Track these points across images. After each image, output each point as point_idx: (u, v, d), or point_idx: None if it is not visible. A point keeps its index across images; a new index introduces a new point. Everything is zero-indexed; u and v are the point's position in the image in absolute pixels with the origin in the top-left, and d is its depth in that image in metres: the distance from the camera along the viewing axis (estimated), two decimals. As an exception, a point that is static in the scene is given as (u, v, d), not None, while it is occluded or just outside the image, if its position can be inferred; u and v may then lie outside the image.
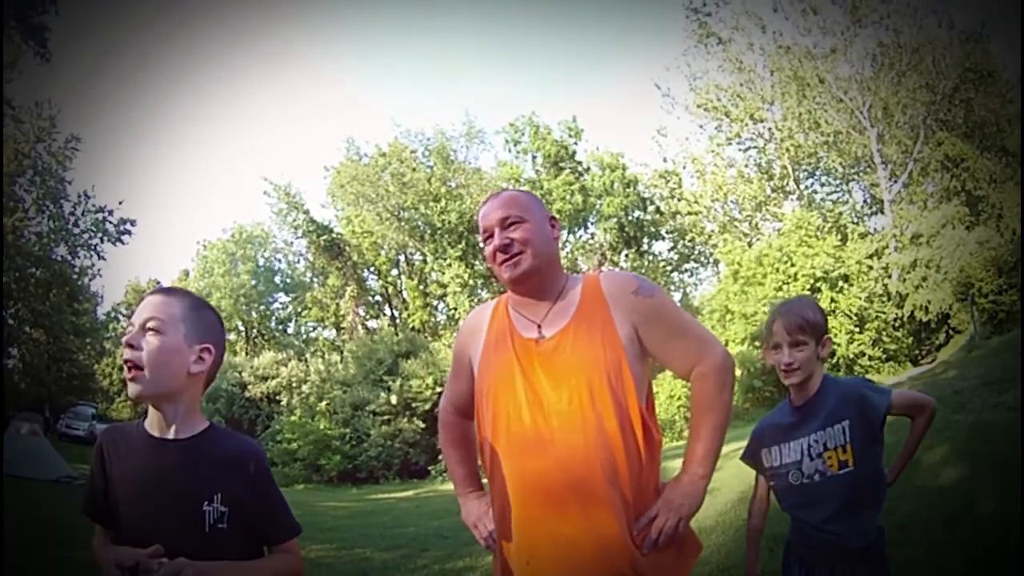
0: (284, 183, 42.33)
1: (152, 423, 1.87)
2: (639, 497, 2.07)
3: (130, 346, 1.80)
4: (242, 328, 48.02)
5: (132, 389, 1.81)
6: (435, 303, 41.64)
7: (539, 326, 2.20)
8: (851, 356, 26.52)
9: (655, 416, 2.22)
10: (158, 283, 54.57)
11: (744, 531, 2.78)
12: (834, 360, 26.12)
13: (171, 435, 1.85)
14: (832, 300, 26.67)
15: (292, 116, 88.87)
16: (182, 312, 1.87)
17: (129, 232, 28.45)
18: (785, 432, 2.57)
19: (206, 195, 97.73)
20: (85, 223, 27.92)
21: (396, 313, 43.83)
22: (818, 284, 27.19)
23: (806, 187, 38.34)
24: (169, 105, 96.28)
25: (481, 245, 2.31)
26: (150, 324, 1.82)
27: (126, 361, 1.79)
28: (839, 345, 26.00)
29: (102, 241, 28.37)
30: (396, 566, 7.69)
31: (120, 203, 31.45)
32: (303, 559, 5.95)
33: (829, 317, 26.14)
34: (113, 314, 38.06)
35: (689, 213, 37.64)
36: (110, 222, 27.97)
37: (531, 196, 2.36)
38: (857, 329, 26.82)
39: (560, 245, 2.35)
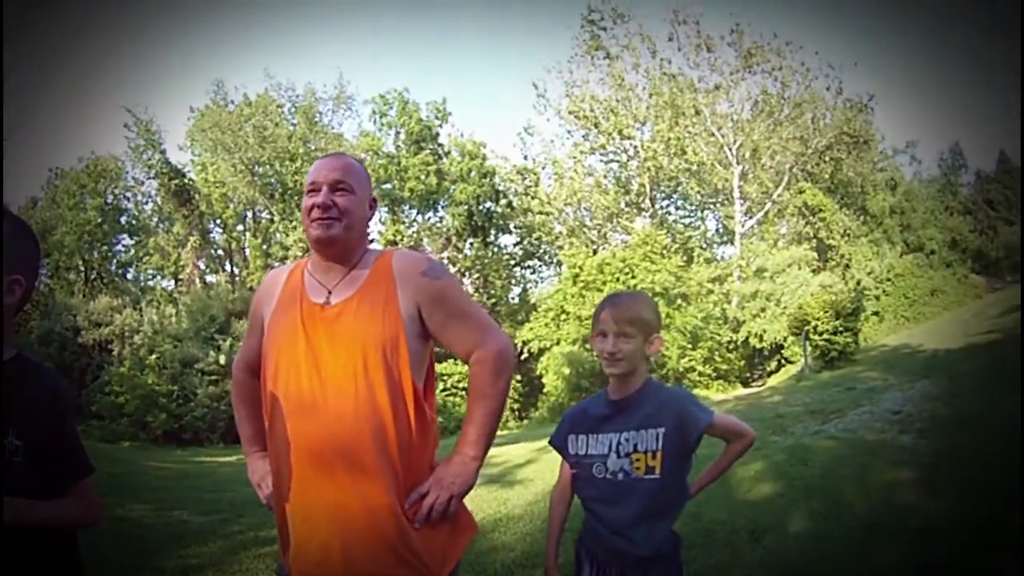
0: (147, 118, 40.33)
1: None
2: (411, 471, 2.16)
3: None
4: (82, 268, 45.62)
5: None
6: (275, 264, 40.18)
7: (329, 292, 2.26)
8: (681, 370, 27.35)
9: (433, 396, 2.32)
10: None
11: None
12: (663, 371, 26.91)
13: None
14: (667, 315, 27.38)
15: (163, 48, 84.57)
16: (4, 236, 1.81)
17: (-20, 152, 26.81)
18: (596, 423, 2.54)
19: (65, 120, 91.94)
20: (-67, 142, 26.10)
21: (236, 270, 42.55)
22: (656, 299, 27.58)
23: (661, 207, 39.48)
24: (36, 23, 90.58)
25: (305, 197, 2.33)
26: None
27: None
28: (669, 358, 26.81)
29: (-50, 162, 26.69)
30: (212, 530, 7.81)
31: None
32: (126, 518, 6.15)
33: (663, 332, 27.37)
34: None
35: (540, 212, 38.29)
36: (-40, 141, 26.25)
37: (364, 171, 2.44)
38: (690, 346, 27.60)
39: (373, 223, 2.41)
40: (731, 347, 29.87)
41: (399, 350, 2.16)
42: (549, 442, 2.77)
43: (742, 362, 30.52)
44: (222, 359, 27.45)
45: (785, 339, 28.01)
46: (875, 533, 5.03)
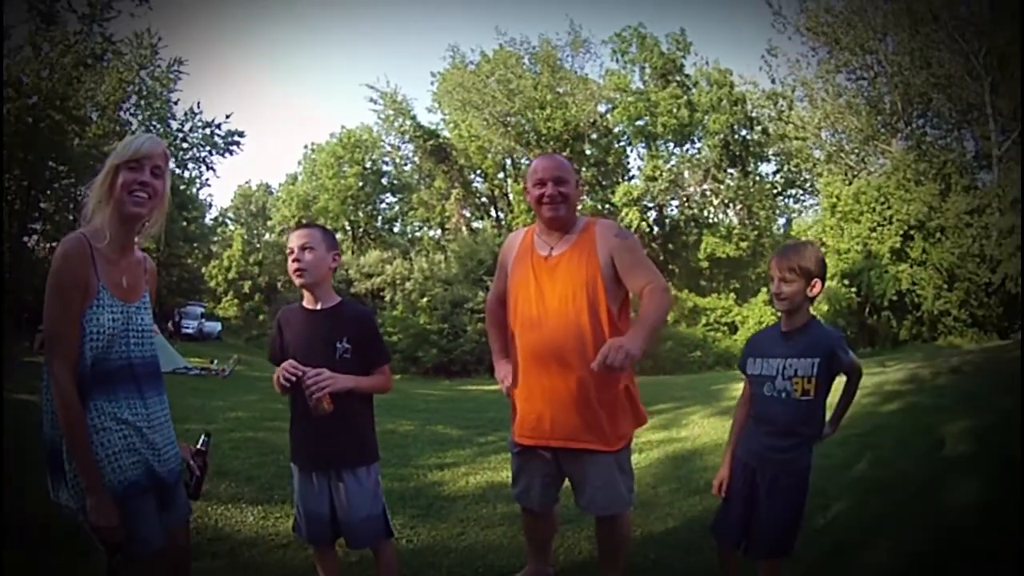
0: (390, 90, 43.06)
1: (307, 301, 3.15)
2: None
3: (296, 260, 3.04)
4: (348, 228, 49.40)
5: (299, 281, 3.07)
6: (540, 206, 41.26)
7: (551, 248, 3.32)
8: (936, 313, 25.88)
9: (626, 315, 3.29)
10: (268, 186, 58.39)
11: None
12: (918, 313, 25.92)
13: (319, 307, 3.13)
14: (924, 251, 25.88)
15: (393, 25, 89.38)
16: (321, 236, 3.12)
17: (237, 143, 29.69)
18: (769, 349, 3.14)
19: (312, 104, 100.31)
20: (195, 138, 29.49)
21: (502, 215, 44.36)
22: (912, 232, 26.32)
23: (916, 127, 34.95)
24: (272, 22, 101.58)
25: (529, 186, 3.35)
26: (306, 245, 3.05)
27: (295, 271, 3.05)
28: (925, 299, 25.44)
29: (211, 154, 29.99)
30: (467, 440, 8.89)
31: (227, 116, 33.19)
32: (395, 431, 7.93)
33: (919, 268, 25.88)
34: (221, 219, 39.32)
35: (797, 138, 36.45)
36: (218, 135, 29.41)
37: (572, 164, 3.48)
38: (946, 286, 25.82)
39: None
40: (989, 290, 26.32)
41: (597, 286, 3.16)
42: (738, 364, 3.42)
43: (1000, 308, 26.77)
44: (491, 298, 29.04)
45: (1045, 283, 24.23)
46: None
